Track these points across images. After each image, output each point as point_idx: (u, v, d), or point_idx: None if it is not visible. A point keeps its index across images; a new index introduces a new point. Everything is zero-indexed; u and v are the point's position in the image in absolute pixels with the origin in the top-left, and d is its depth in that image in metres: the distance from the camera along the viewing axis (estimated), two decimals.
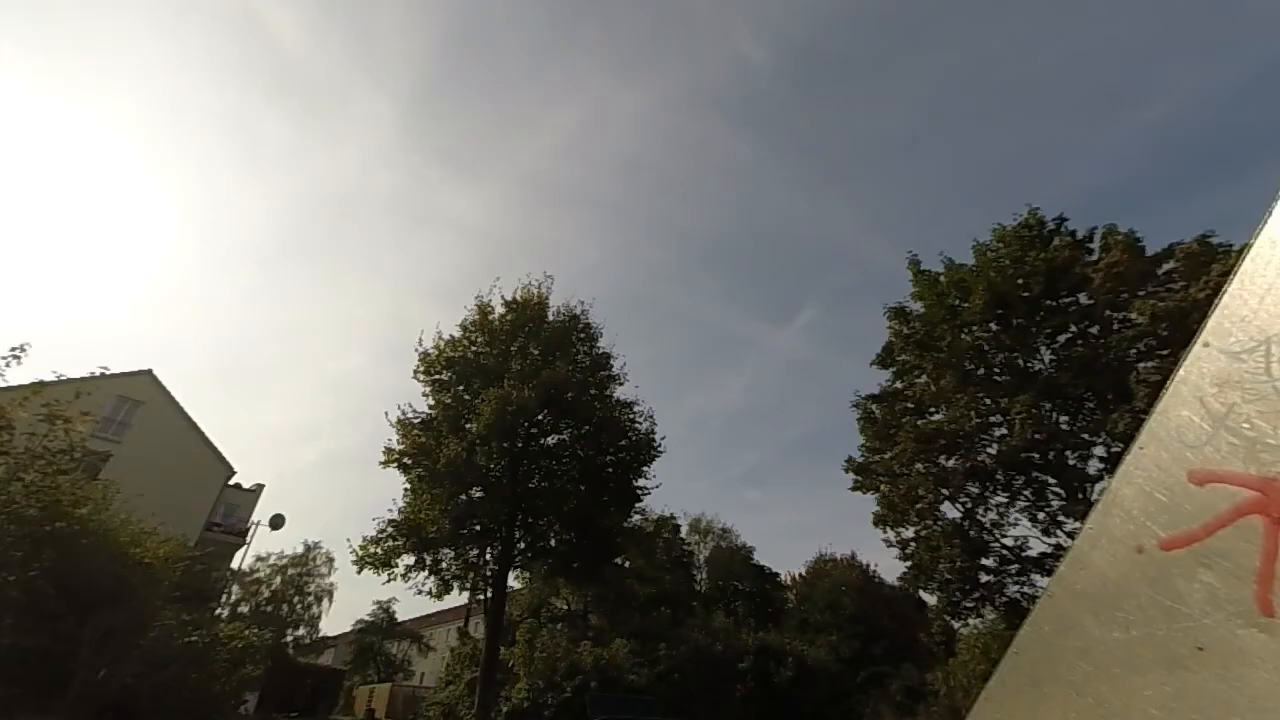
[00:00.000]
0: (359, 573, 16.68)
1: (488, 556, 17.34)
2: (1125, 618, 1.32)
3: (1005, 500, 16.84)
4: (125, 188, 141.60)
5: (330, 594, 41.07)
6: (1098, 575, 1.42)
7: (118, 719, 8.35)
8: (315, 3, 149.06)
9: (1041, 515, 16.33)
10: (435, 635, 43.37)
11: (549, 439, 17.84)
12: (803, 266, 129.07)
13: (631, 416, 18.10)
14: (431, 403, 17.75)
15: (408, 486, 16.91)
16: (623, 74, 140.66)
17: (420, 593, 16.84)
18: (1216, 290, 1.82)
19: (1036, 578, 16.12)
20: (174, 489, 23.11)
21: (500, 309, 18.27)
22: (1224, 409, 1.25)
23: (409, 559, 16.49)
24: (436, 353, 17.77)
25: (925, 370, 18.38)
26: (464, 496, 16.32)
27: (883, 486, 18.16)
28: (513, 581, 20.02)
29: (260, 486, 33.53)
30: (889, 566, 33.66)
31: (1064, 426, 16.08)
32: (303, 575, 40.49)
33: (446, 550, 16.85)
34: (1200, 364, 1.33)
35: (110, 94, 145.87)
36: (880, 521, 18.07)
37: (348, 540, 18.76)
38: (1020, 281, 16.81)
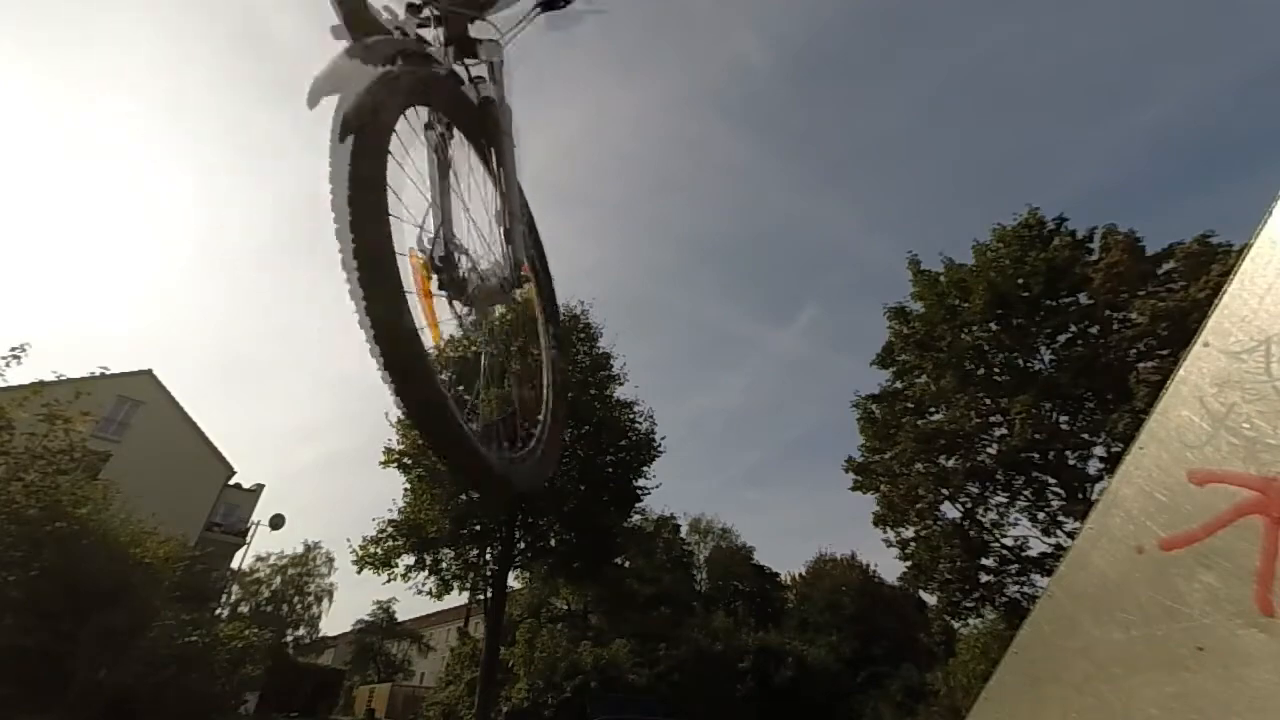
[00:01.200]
0: (359, 573, 16.72)
1: (488, 556, 17.35)
2: (1125, 618, 1.32)
3: (1005, 500, 16.86)
4: (125, 187, 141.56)
5: (330, 594, 41.03)
6: (1098, 575, 1.42)
7: (118, 719, 8.35)
8: (315, 3, 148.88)
9: (1041, 515, 16.35)
10: (435, 635, 43.29)
11: None
12: (803, 266, 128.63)
13: (631, 416, 18.13)
14: None
15: (408, 486, 16.91)
16: (622, 74, 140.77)
17: (420, 593, 16.91)
18: (1216, 290, 1.82)
19: (1036, 578, 16.12)
20: (174, 489, 23.04)
21: (499, 309, 18.23)
22: (1224, 409, 1.25)
23: (409, 559, 16.52)
24: (436, 352, 17.75)
25: (925, 370, 18.37)
26: (464, 496, 16.31)
27: (883, 486, 18.16)
28: (513, 581, 20.03)
29: (260, 486, 33.46)
30: (889, 566, 33.44)
31: (1064, 426, 16.08)
32: (303, 575, 40.41)
33: (446, 550, 16.86)
34: (1200, 364, 1.33)
35: (110, 93, 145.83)
36: (880, 521, 18.08)
37: (348, 540, 18.77)
38: (1020, 281, 16.79)
